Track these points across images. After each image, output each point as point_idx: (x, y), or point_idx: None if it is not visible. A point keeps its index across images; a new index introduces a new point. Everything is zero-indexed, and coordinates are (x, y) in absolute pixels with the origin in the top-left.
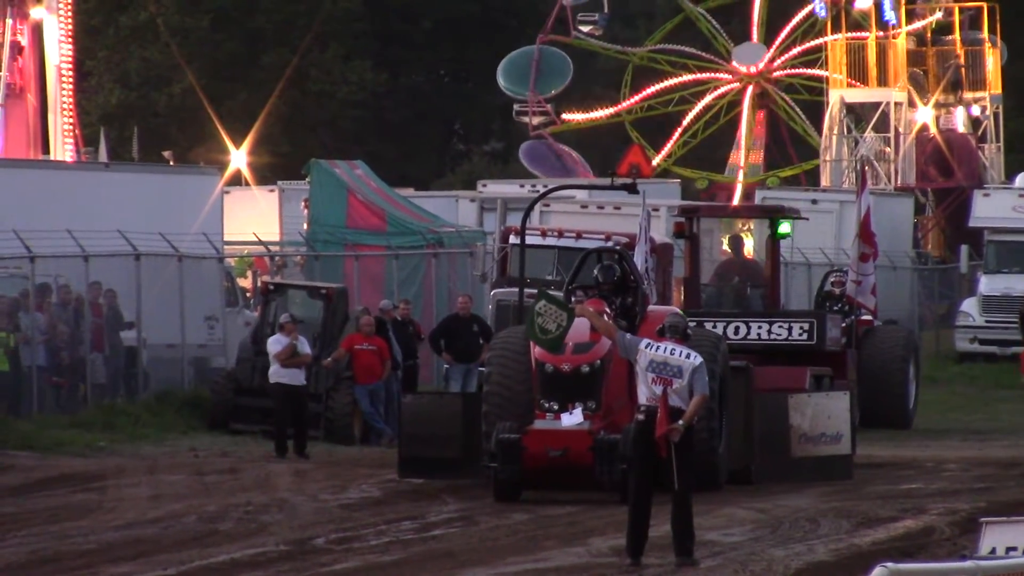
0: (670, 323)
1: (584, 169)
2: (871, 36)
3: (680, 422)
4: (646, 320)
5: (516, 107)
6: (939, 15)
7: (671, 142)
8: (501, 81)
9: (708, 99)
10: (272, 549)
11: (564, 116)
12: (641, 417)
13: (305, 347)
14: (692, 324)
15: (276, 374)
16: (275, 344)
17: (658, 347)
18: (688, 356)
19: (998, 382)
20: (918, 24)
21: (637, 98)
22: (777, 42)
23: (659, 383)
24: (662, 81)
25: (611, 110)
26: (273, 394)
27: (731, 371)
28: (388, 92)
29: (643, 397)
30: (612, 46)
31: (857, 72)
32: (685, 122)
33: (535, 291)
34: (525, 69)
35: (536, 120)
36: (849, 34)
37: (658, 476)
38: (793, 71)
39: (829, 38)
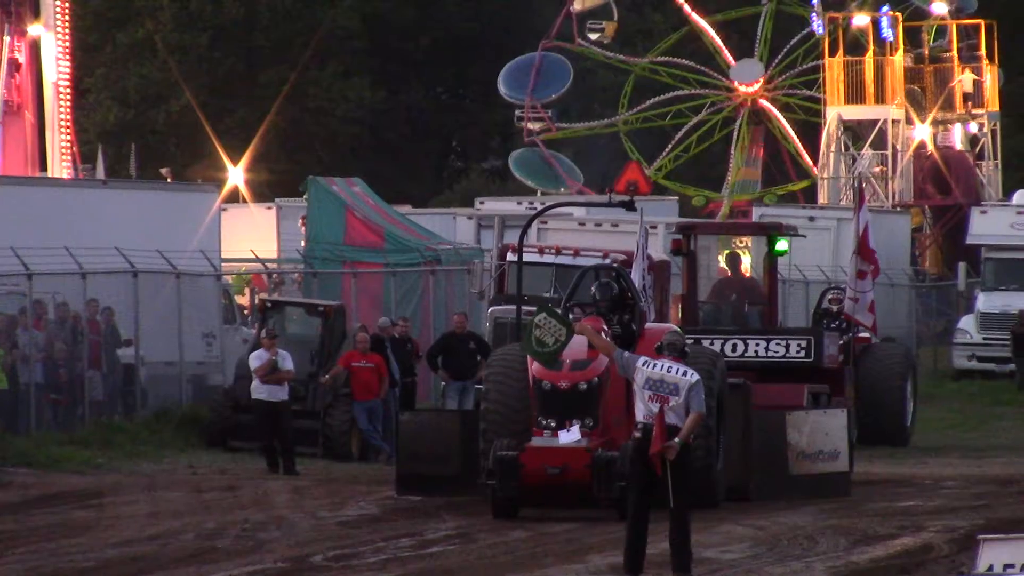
0: (668, 341)
1: (573, 179)
2: (869, 54)
3: (676, 439)
4: (644, 337)
5: (518, 112)
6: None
7: (663, 155)
8: (502, 88)
9: (702, 114)
10: (270, 566)
11: (560, 124)
12: (638, 434)
13: (287, 363)
14: (690, 342)
15: (256, 390)
16: (255, 360)
17: (655, 365)
18: (685, 374)
19: (996, 399)
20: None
21: (635, 110)
22: (775, 61)
23: (656, 400)
24: (661, 94)
25: (606, 120)
26: (254, 410)
27: (729, 388)
28: (386, 110)
29: (640, 415)
30: (614, 55)
31: (854, 90)
32: (678, 136)
33: (534, 308)
34: (524, 75)
35: (533, 126)
36: (848, 58)
37: (655, 493)
38: (790, 92)
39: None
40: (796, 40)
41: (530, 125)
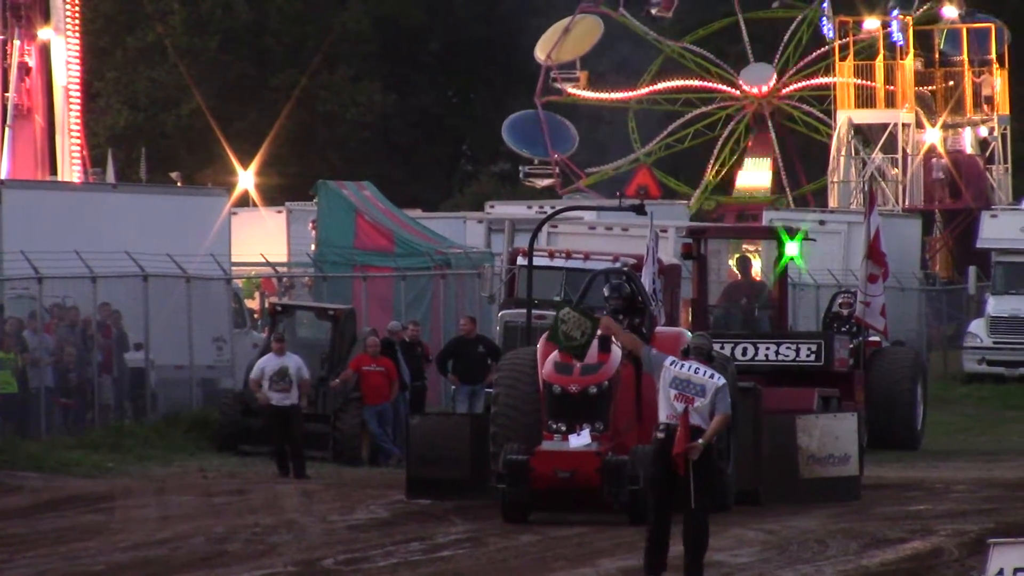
0: (695, 344)
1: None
2: (879, 57)
3: (700, 440)
4: (654, 341)
5: (524, 169)
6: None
7: (706, 176)
8: (507, 140)
9: (712, 107)
10: (280, 570)
11: (589, 170)
12: (660, 435)
13: (302, 371)
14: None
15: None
16: (258, 370)
17: (683, 365)
18: (712, 376)
19: (1006, 403)
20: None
21: (646, 90)
22: (777, 59)
23: (681, 400)
24: (673, 121)
25: (632, 156)
26: (264, 414)
27: (739, 392)
28: (396, 113)
29: (664, 415)
30: (650, 33)
31: (865, 93)
32: (715, 154)
33: (543, 312)
34: (529, 130)
35: (548, 183)
36: (858, 62)
37: (676, 494)
38: (802, 84)
39: (832, 44)
40: (787, 38)
41: (556, 182)
